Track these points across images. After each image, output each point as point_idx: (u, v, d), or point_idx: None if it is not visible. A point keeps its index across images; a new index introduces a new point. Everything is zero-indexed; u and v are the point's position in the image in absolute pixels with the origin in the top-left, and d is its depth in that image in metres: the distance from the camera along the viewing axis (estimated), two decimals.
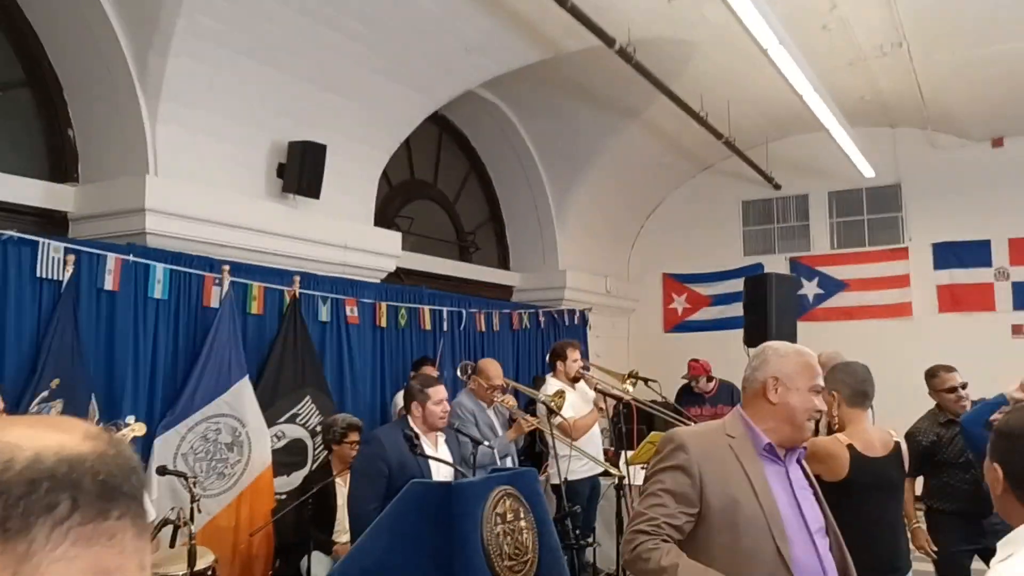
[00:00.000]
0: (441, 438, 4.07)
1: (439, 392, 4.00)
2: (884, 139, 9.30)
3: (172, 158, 5.12)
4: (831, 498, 2.39)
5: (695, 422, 6.75)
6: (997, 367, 8.47)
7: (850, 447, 3.04)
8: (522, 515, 3.04)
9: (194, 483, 4.42)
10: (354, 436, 5.04)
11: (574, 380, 5.96)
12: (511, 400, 5.61)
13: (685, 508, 2.09)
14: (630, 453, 5.47)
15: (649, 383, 6.13)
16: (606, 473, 5.85)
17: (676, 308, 10.68)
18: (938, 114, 8.72)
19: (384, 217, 7.49)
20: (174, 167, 5.12)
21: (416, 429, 3.89)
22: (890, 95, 8.29)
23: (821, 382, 2.28)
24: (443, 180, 8.74)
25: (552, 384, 5.89)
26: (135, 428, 3.99)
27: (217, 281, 5.27)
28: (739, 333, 6.96)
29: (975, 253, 9.11)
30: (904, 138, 9.37)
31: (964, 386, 4.43)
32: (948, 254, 9.26)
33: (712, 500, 2.10)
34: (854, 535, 2.39)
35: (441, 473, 3.74)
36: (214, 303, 5.24)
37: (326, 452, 5.19)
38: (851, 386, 3.23)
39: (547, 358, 6.34)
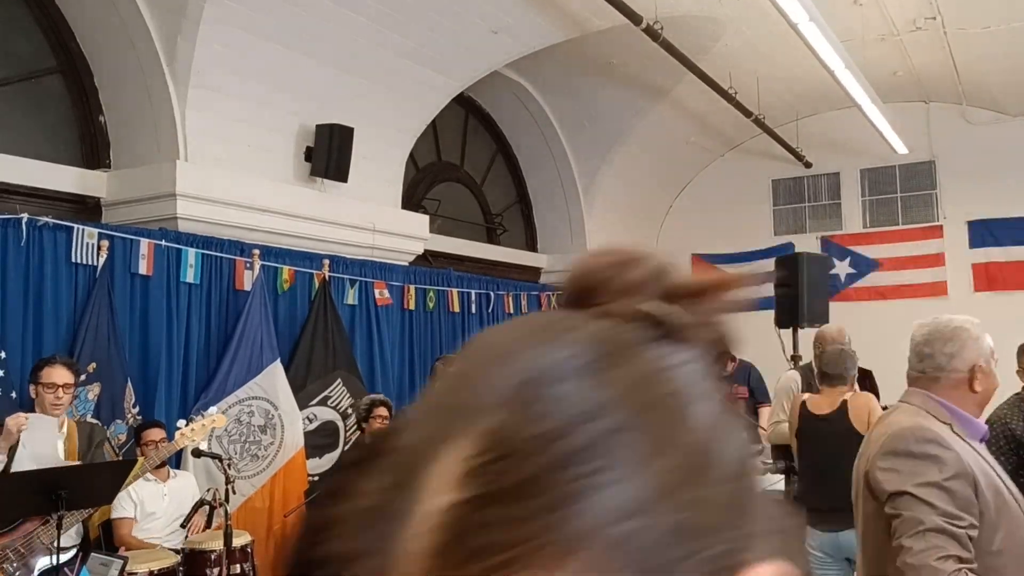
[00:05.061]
0: None
1: None
2: (918, 115, 9.12)
3: (202, 143, 5.16)
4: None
5: None
6: None
7: None
8: None
9: (228, 465, 4.48)
10: (381, 411, 5.08)
11: None
12: None
13: (971, 518, 1.81)
14: None
15: None
16: None
17: None
18: (973, 89, 8.53)
19: (411, 200, 7.51)
20: (204, 152, 5.17)
21: None
22: (923, 70, 8.13)
23: None
24: (470, 162, 8.73)
25: None
26: (216, 419, 4.04)
27: (248, 265, 5.33)
28: (769, 314, 6.89)
29: (1012, 231, 8.92)
30: (938, 113, 9.19)
31: None
32: (984, 232, 9.08)
33: (985, 499, 1.85)
34: None
35: None
36: (245, 287, 5.30)
37: (359, 432, 5.27)
38: None
39: None
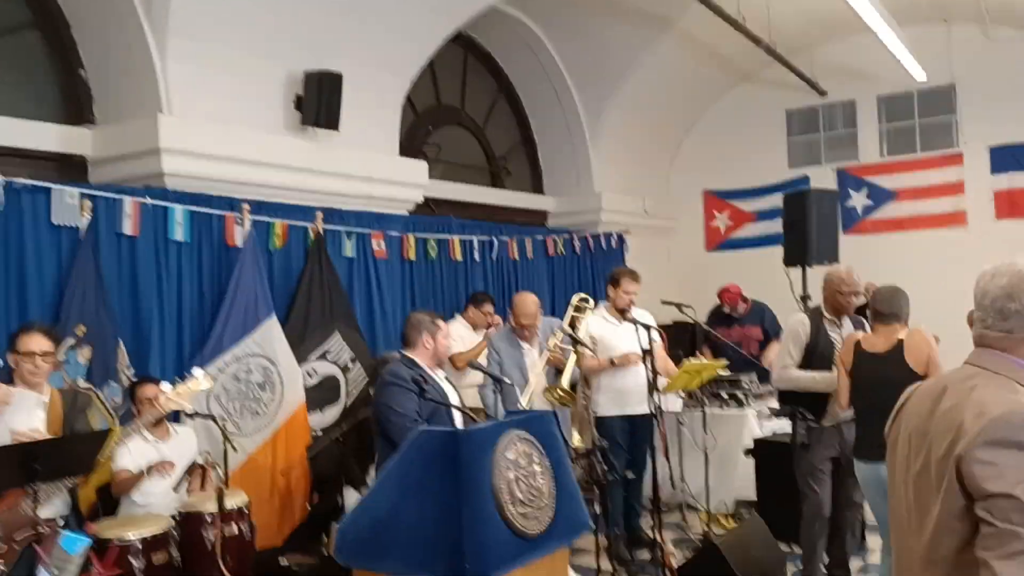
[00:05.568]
0: (441, 373, 3.99)
1: (445, 325, 4.06)
2: (937, 37, 8.72)
3: (185, 95, 5.00)
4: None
5: (727, 343, 6.58)
6: None
7: None
8: (536, 459, 2.95)
9: (224, 424, 4.42)
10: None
11: (621, 311, 5.37)
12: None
13: None
14: (664, 381, 5.32)
15: (683, 308, 5.95)
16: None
17: (718, 226, 10.37)
18: (996, 4, 8.12)
19: (411, 146, 7.31)
20: (188, 105, 5.00)
21: (423, 365, 3.82)
22: None
23: None
24: (471, 104, 8.48)
25: (593, 317, 5.52)
26: (198, 382, 3.92)
27: (239, 220, 5.20)
28: (778, 251, 6.70)
29: None
30: (959, 35, 8.77)
31: None
32: (1007, 157, 8.74)
33: None
34: None
35: (454, 412, 3.69)
36: (237, 243, 5.17)
37: (367, 384, 5.32)
38: None
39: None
